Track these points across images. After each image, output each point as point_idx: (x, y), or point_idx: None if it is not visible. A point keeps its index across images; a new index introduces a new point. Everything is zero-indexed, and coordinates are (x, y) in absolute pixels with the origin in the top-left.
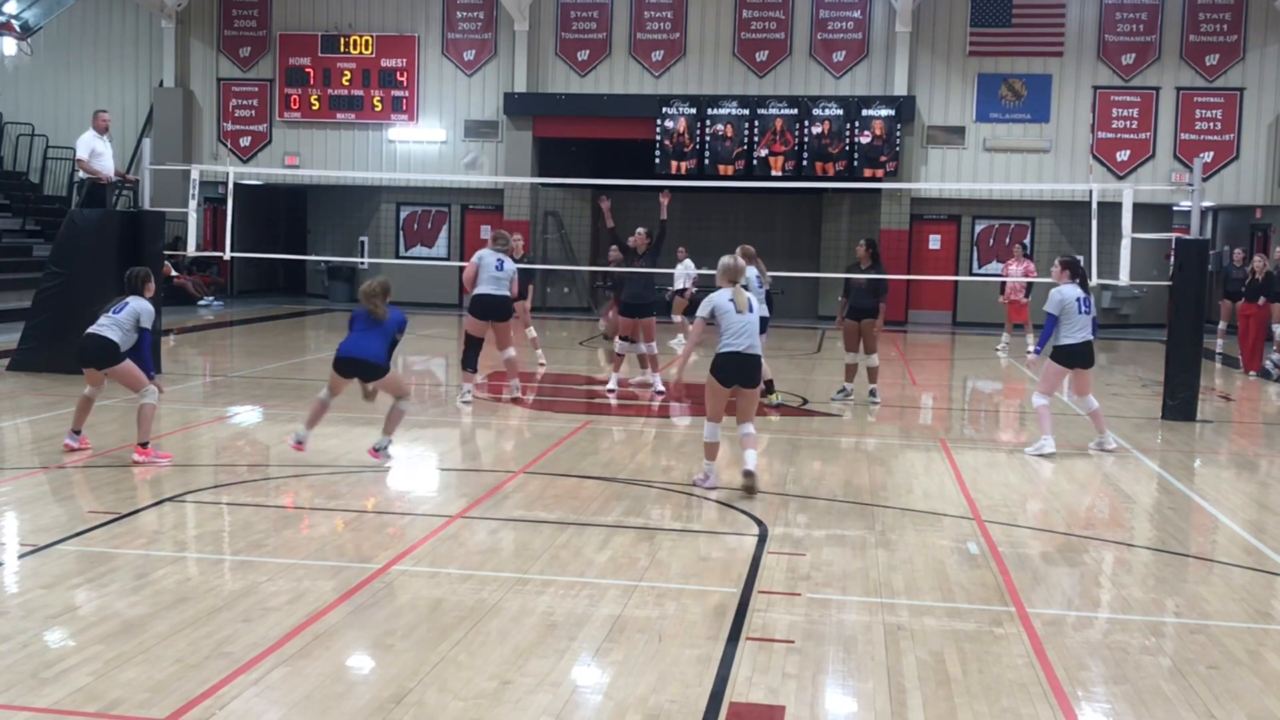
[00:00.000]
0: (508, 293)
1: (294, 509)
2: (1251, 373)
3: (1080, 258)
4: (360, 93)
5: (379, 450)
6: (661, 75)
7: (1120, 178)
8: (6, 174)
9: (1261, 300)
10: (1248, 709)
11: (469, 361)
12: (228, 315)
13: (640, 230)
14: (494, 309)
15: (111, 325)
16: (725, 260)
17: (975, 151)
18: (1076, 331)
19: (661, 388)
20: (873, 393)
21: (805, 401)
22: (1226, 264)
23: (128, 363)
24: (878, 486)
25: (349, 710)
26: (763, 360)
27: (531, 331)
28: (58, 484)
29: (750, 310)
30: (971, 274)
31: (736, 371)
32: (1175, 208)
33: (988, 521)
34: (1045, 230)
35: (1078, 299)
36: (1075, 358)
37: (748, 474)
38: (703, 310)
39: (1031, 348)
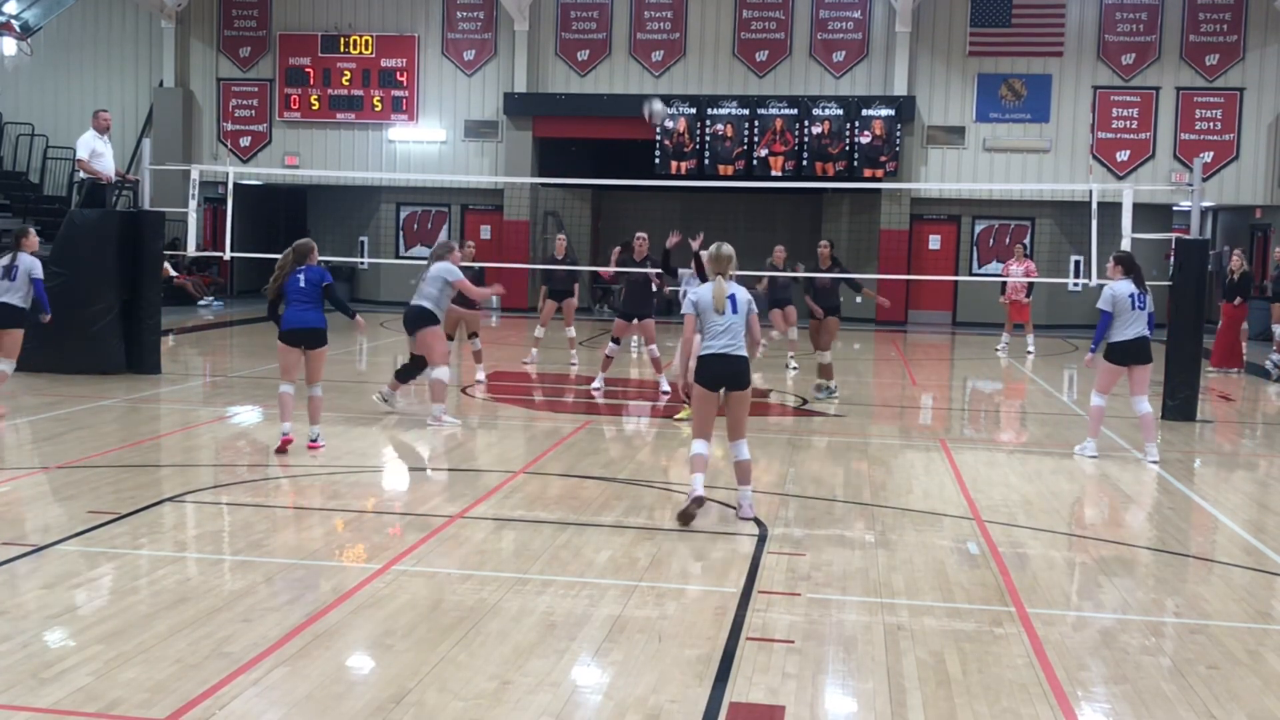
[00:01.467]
0: (423, 303)
1: (294, 509)
2: (1236, 370)
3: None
4: (360, 93)
5: (315, 441)
6: (661, 75)
7: (1120, 178)
8: (6, 174)
9: (1238, 300)
10: (1248, 709)
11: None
12: (228, 315)
13: (640, 235)
14: (407, 321)
15: (11, 290)
16: (710, 249)
17: (975, 151)
18: (1129, 327)
19: (668, 388)
20: (819, 387)
21: (805, 402)
22: (1226, 264)
23: (20, 332)
24: (878, 486)
25: (349, 710)
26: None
27: (571, 331)
28: (58, 484)
29: (733, 309)
30: (971, 274)
31: (720, 373)
32: (1175, 208)
33: (988, 521)
34: (1045, 230)
35: (1130, 295)
36: (1128, 354)
37: (748, 519)
38: (686, 307)
39: (1031, 346)
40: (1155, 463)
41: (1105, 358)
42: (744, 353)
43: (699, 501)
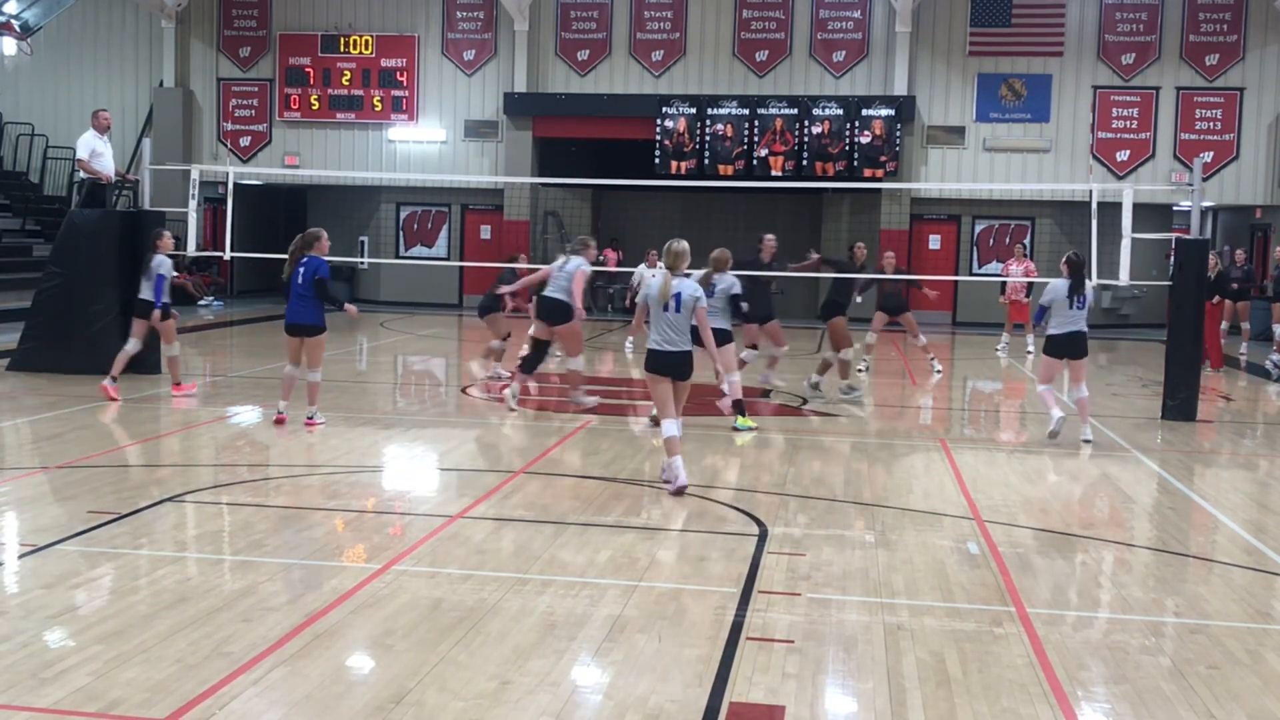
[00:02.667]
0: (561, 296)
1: (294, 509)
2: (1218, 369)
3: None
4: (360, 93)
5: (312, 419)
6: (661, 75)
7: (1120, 178)
8: (6, 174)
9: (1216, 298)
10: (1248, 709)
11: (528, 365)
12: (228, 315)
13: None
14: (549, 312)
15: (149, 287)
16: (667, 244)
17: (975, 151)
18: (1066, 324)
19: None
20: (850, 387)
21: (805, 401)
22: (1227, 264)
23: (169, 322)
24: (878, 486)
25: (349, 710)
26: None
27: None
28: (58, 484)
29: (677, 307)
30: (971, 274)
31: (664, 366)
32: (1175, 208)
33: (988, 521)
34: (1045, 230)
35: (1070, 294)
36: (1062, 348)
37: (678, 491)
38: (639, 297)
39: (1031, 346)
40: (1089, 441)
41: (1044, 351)
42: (685, 347)
43: (681, 488)
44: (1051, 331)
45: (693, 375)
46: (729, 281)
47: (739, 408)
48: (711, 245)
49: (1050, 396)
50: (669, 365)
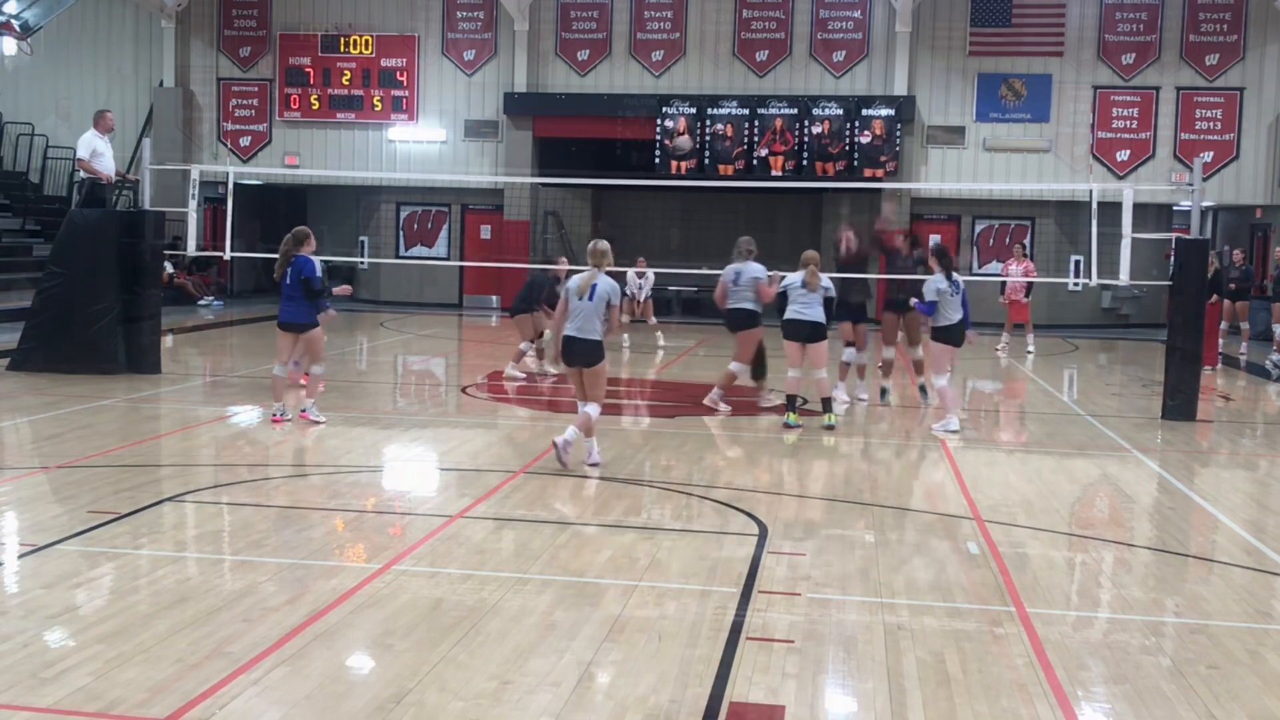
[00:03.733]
0: (748, 305)
1: (294, 509)
2: (1208, 367)
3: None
4: (360, 92)
5: (305, 411)
6: (661, 75)
7: (1120, 178)
8: (6, 174)
9: (1214, 297)
10: (1248, 709)
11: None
12: (228, 315)
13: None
14: (735, 320)
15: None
16: (591, 244)
17: (975, 151)
18: (953, 313)
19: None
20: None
21: (805, 401)
22: (1227, 264)
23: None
24: (878, 486)
25: (349, 710)
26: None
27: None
28: (58, 484)
29: (590, 297)
30: (971, 274)
31: (572, 352)
32: (1175, 208)
33: (988, 521)
34: (1045, 230)
35: (949, 288)
36: (954, 337)
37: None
38: (564, 291)
39: (1031, 346)
40: (955, 431)
41: (939, 340)
42: (594, 336)
43: (564, 447)
44: (943, 323)
45: (600, 363)
46: (826, 283)
47: (826, 405)
48: (711, 245)
49: (951, 394)
50: (576, 350)
